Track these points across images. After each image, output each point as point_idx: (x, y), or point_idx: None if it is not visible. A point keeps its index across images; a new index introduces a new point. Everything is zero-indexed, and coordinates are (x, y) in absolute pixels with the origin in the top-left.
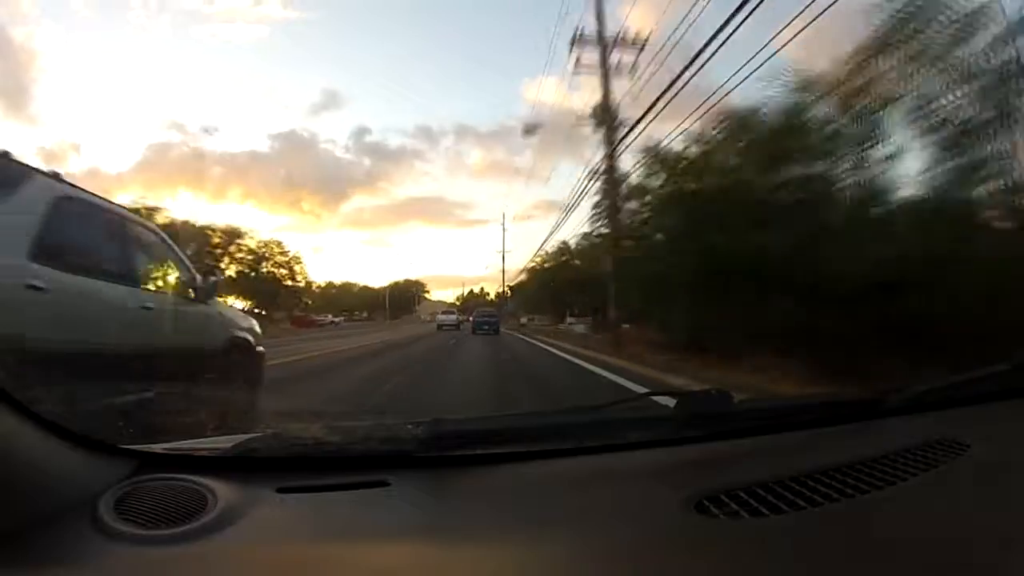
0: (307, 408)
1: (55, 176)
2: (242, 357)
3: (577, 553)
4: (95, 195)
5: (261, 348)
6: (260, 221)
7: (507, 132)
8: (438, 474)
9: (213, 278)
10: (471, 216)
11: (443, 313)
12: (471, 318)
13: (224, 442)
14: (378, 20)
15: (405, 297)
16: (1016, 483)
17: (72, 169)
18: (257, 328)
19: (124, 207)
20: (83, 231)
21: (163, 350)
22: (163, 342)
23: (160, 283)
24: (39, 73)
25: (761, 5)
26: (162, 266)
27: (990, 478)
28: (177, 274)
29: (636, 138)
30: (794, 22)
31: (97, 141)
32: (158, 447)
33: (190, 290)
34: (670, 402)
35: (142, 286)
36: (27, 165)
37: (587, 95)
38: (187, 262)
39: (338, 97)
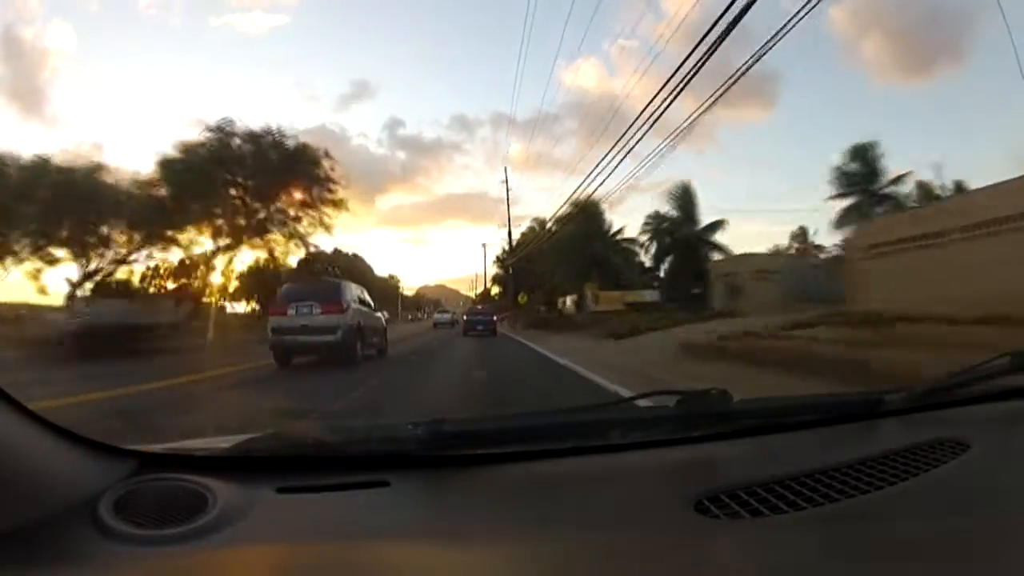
0: (307, 408)
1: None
2: (384, 329)
3: (577, 553)
4: (350, 281)
5: (386, 327)
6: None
7: (548, 120)
8: (438, 474)
9: (379, 306)
10: (514, 212)
11: (439, 313)
12: (464, 317)
13: (224, 442)
14: (404, 3)
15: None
16: (1016, 483)
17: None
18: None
19: (359, 285)
20: (362, 294)
21: (377, 327)
22: (377, 324)
23: (371, 305)
24: (56, 73)
25: None
26: (367, 300)
27: (990, 478)
28: (371, 303)
29: None
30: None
31: (119, 140)
32: (158, 447)
33: (372, 306)
34: (670, 402)
35: (369, 307)
36: (341, 279)
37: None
38: (370, 298)
39: (368, 87)
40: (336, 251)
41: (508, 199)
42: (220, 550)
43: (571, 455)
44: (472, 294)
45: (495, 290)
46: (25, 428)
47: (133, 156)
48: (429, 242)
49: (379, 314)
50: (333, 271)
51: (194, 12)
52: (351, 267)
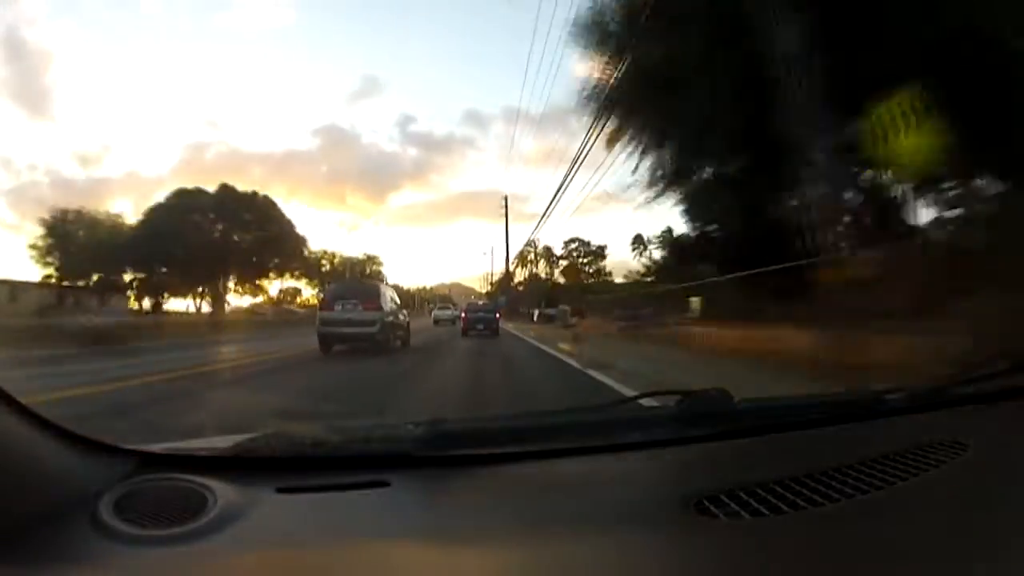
0: (307, 408)
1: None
2: (408, 324)
3: (577, 553)
4: (388, 282)
5: (408, 322)
6: (306, 220)
7: (563, 114)
8: (438, 474)
9: (403, 306)
10: (528, 209)
11: (439, 309)
12: (465, 314)
13: (224, 442)
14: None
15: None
16: (1016, 483)
17: (107, 172)
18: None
19: (394, 284)
20: (392, 294)
21: (402, 323)
22: (403, 320)
23: (399, 304)
24: (63, 75)
25: None
26: (397, 300)
27: (990, 478)
28: (399, 301)
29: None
30: None
31: (131, 142)
32: (158, 447)
33: (398, 304)
34: (670, 402)
35: (398, 305)
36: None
37: None
38: (398, 297)
39: (378, 84)
40: (225, 187)
41: None
42: (220, 550)
43: (571, 455)
44: (488, 288)
45: (517, 277)
46: (25, 428)
47: (141, 158)
48: (443, 240)
49: (403, 311)
50: (234, 211)
51: (200, 9)
52: (263, 216)
